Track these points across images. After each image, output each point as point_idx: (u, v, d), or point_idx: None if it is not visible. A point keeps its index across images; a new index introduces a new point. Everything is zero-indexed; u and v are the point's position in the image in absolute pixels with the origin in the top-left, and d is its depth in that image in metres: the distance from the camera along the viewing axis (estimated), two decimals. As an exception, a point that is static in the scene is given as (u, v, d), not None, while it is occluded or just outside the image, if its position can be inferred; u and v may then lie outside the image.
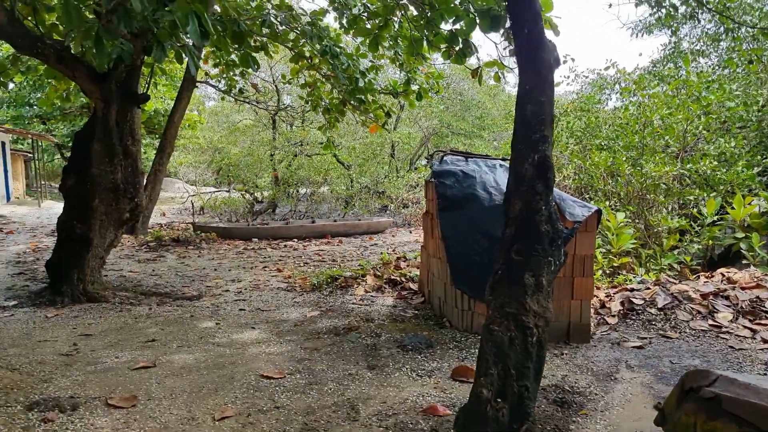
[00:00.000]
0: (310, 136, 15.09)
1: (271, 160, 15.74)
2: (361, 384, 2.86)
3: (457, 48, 5.52)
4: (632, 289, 3.88)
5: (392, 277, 5.26)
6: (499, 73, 5.85)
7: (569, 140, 8.58)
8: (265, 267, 7.51)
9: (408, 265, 6.08)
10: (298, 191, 16.81)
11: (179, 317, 4.60)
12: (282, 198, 14.64)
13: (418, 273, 5.44)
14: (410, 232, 11.83)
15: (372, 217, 12.45)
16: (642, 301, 3.66)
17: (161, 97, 19.74)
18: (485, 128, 15.54)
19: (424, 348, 3.33)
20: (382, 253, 8.45)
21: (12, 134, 19.89)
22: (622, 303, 3.71)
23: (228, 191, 19.73)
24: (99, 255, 5.48)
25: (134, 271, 7.13)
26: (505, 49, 5.17)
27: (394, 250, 8.97)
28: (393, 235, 11.45)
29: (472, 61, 5.89)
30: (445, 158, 3.96)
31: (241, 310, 4.88)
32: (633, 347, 3.25)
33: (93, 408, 2.60)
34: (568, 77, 9.12)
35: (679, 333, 3.41)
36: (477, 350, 3.34)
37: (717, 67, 8.64)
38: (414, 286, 5.13)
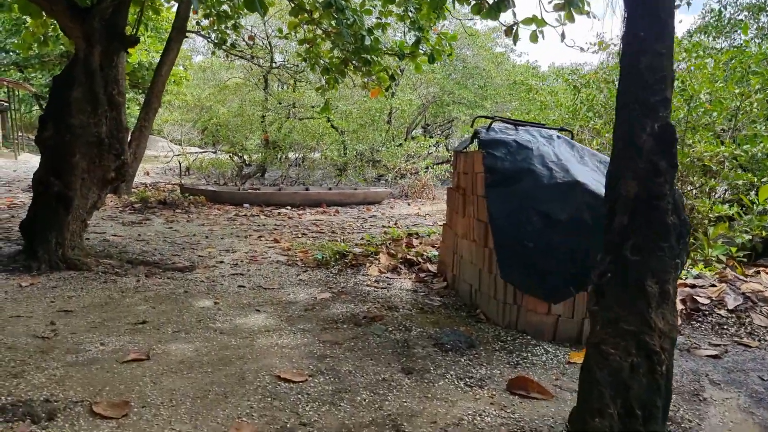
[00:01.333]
0: (304, 98, 14.35)
1: (262, 122, 14.99)
2: (401, 394, 2.38)
3: (491, 0, 4.92)
4: (693, 286, 3.45)
5: (408, 257, 4.77)
6: (537, 32, 5.25)
7: (589, 113, 8.07)
8: (261, 236, 6.96)
9: (421, 243, 5.58)
10: (287, 156, 16.13)
11: (172, 292, 4.06)
12: (272, 162, 13.97)
13: (436, 253, 4.95)
14: (408, 204, 11.32)
15: (369, 187, 11.90)
16: (708, 301, 3.24)
17: (146, 50, 18.66)
18: (488, 98, 14.96)
19: (465, 348, 2.85)
20: (386, 226, 7.95)
21: (-15, 81, 18.70)
22: (683, 301, 3.28)
23: (215, 152, 18.94)
24: (80, 217, 4.87)
25: (118, 235, 6.53)
26: (550, 2, 4.58)
27: (396, 223, 8.47)
28: (391, 207, 10.94)
29: (505, 17, 5.28)
30: (492, 126, 3.42)
31: (240, 286, 4.36)
32: (708, 356, 2.82)
33: (74, 417, 2.08)
34: (593, 44, 8.47)
35: (759, 341, 3.00)
36: (529, 354, 2.89)
37: (756, 39, 8.14)
38: (432, 268, 4.64)
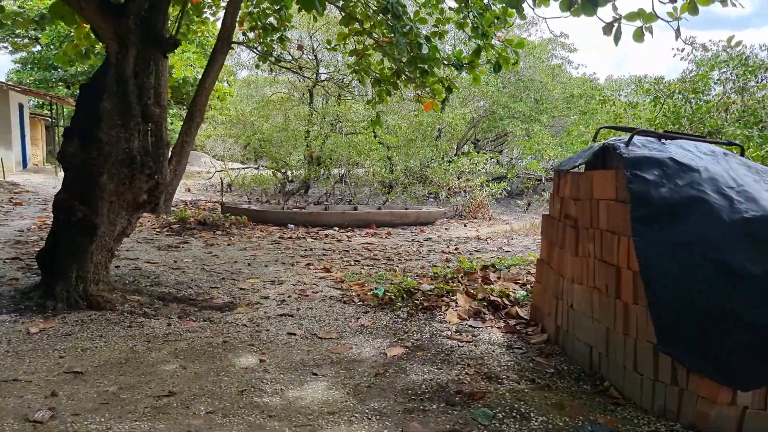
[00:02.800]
0: (350, 112, 13.71)
1: (306, 137, 14.43)
2: None
3: (587, -9, 4.06)
4: None
5: (491, 298, 3.89)
6: (644, 28, 4.34)
7: (674, 126, 7.06)
8: (309, 264, 6.21)
9: (500, 278, 4.70)
10: (331, 173, 15.51)
11: (208, 343, 3.31)
12: (317, 179, 13.34)
13: (523, 293, 4.06)
14: (465, 225, 10.42)
15: (420, 207, 11.07)
16: None
17: (191, 65, 18.53)
18: (544, 112, 13.96)
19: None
20: (447, 252, 7.06)
21: (30, 96, 18.86)
22: None
23: (257, 168, 18.53)
24: (106, 246, 4.22)
25: (153, 262, 5.89)
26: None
27: (456, 249, 7.59)
28: (446, 228, 10.06)
29: (603, 13, 4.42)
30: (633, 140, 2.54)
31: (290, 334, 3.58)
32: None
33: None
34: (682, 50, 7.48)
35: None
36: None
37: None
38: (523, 313, 3.75)
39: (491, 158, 13.22)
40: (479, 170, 12.15)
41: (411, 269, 6.06)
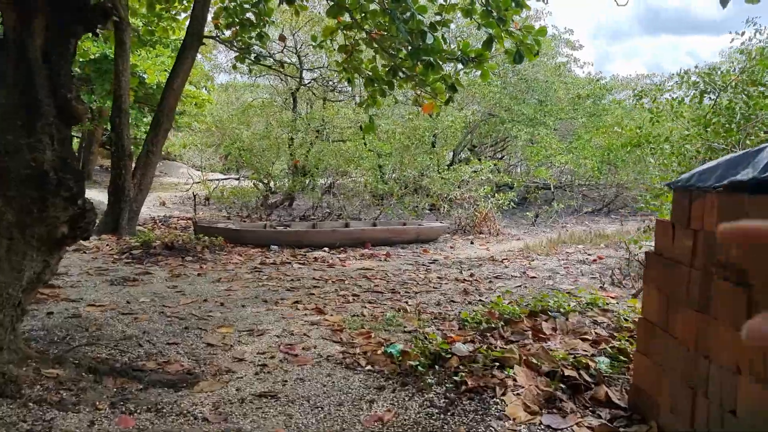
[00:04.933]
0: (338, 116, 12.53)
1: (290, 145, 13.21)
2: None
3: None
4: None
5: (565, 372, 2.70)
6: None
7: (730, 125, 5.98)
8: (297, 302, 4.99)
9: (558, 331, 3.51)
10: (315, 183, 14.29)
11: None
12: (303, 190, 12.13)
13: (606, 361, 2.87)
14: (471, 243, 9.25)
15: (421, 221, 9.89)
16: None
17: (166, 70, 17.19)
18: (549, 114, 12.92)
19: None
20: (461, 280, 5.85)
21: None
22: None
23: (237, 179, 17.23)
24: (10, 301, 2.96)
25: (99, 304, 4.61)
26: None
27: (472, 274, 6.42)
28: (451, 247, 8.89)
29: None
30: None
31: (274, 439, 2.36)
32: None
33: None
34: (742, 33, 6.46)
35: None
36: None
37: None
38: (616, 397, 2.57)
39: (495, 165, 12.10)
40: (482, 179, 11.02)
41: (425, 307, 4.87)
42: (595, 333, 3.36)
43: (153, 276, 5.89)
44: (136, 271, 6.05)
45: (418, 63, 5.61)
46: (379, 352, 3.52)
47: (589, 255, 7.83)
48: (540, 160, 11.72)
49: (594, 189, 13.99)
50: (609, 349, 2.99)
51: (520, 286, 5.86)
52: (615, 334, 3.32)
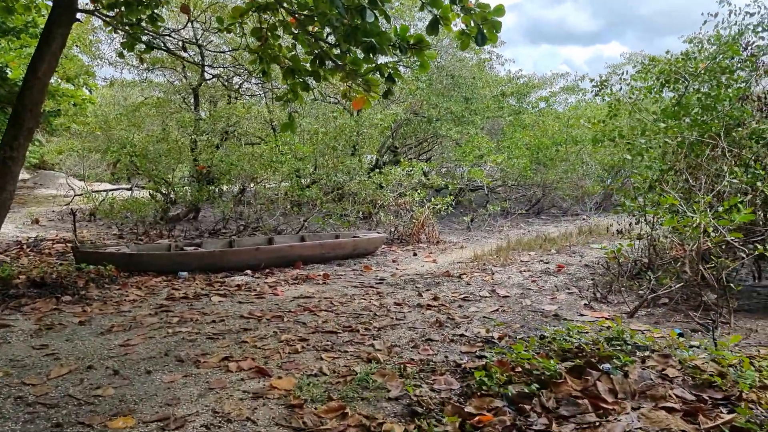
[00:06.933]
0: (251, 114, 11.03)
1: (194, 149, 11.47)
2: None
3: None
4: None
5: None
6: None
7: (703, 117, 5.46)
8: (227, 357, 3.64)
9: (620, 394, 2.51)
10: (221, 190, 12.63)
11: None
12: (213, 200, 10.50)
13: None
14: (414, 255, 8.23)
15: (355, 232, 8.70)
16: None
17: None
18: (475, 113, 12.28)
19: None
20: (426, 305, 4.71)
21: None
22: None
23: (130, 189, 15.00)
24: None
25: None
26: None
27: (435, 297, 5.36)
28: (393, 260, 7.80)
29: None
30: None
31: None
32: None
33: None
34: (715, 15, 5.98)
35: None
36: None
37: None
38: None
39: (427, 167, 11.15)
40: (414, 182, 10.06)
41: (400, 351, 3.73)
42: (677, 397, 2.41)
43: (11, 330, 4.23)
44: (-14, 323, 4.34)
45: (351, 49, 4.53)
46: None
47: (546, 264, 7.10)
48: (473, 160, 11.01)
49: (520, 189, 13.61)
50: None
51: (497, 310, 4.89)
52: (708, 397, 2.38)
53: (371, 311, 4.89)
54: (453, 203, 10.21)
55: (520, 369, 2.90)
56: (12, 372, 3.37)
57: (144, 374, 3.36)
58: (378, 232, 8.68)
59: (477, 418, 2.41)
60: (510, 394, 2.61)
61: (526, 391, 2.60)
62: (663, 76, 5.85)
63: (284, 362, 3.57)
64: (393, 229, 9.53)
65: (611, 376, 2.60)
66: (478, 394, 2.74)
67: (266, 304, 5.16)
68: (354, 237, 8.02)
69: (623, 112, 6.39)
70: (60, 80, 14.24)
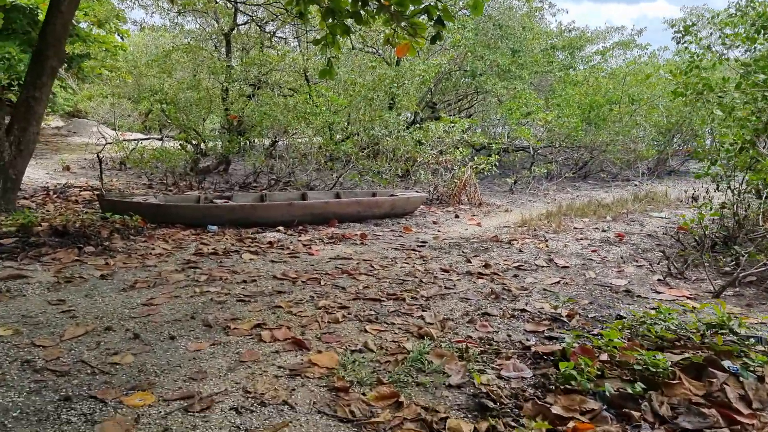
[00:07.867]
0: (286, 62, 10.44)
1: (225, 98, 11.00)
2: None
3: None
4: None
5: None
6: None
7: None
8: (259, 325, 3.22)
9: (753, 403, 1.98)
10: (252, 143, 12.18)
11: None
12: (246, 152, 10.07)
13: None
14: (456, 217, 7.69)
15: (394, 190, 8.18)
16: None
17: None
18: (523, 67, 11.43)
19: None
20: (477, 274, 4.18)
21: None
22: None
23: (161, 139, 14.70)
24: None
25: None
26: None
27: (486, 265, 4.83)
28: (434, 221, 7.29)
29: None
30: None
31: None
32: None
33: None
34: None
35: None
36: None
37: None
38: None
39: (470, 124, 10.44)
40: (454, 139, 9.41)
41: (454, 326, 3.25)
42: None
43: (28, 282, 3.89)
44: (3, 274, 4.01)
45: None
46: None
47: (604, 232, 6.48)
48: (519, 117, 10.26)
49: (567, 151, 12.79)
50: None
51: (558, 282, 4.35)
52: None
53: (416, 277, 4.41)
54: (496, 163, 9.56)
55: (608, 359, 2.38)
56: (23, 330, 3.02)
57: (167, 340, 2.96)
58: (417, 192, 8.14)
59: (571, 424, 1.91)
60: (608, 393, 2.10)
61: (630, 391, 2.08)
62: (761, 21, 5.03)
63: (323, 333, 3.13)
64: (432, 189, 8.96)
65: (740, 378, 2.07)
66: (562, 389, 2.25)
67: (301, 265, 4.73)
68: (392, 195, 7.51)
69: (708, 63, 5.60)
70: (92, 25, 13.82)
